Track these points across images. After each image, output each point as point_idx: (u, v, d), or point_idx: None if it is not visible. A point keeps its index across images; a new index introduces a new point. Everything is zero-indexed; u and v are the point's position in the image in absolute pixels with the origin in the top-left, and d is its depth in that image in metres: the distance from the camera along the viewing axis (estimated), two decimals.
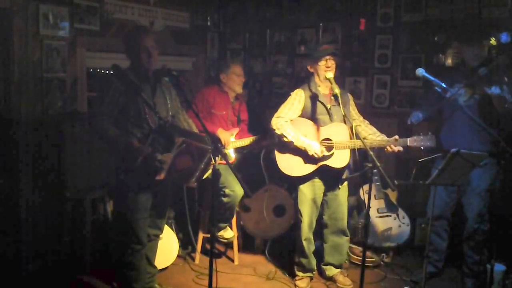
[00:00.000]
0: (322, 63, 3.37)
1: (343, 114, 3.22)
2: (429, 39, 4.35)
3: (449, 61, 4.23)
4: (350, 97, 3.56)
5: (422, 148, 3.25)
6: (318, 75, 3.42)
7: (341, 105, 3.23)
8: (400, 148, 3.27)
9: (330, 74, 3.32)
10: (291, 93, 3.52)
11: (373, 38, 4.63)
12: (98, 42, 3.85)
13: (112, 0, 3.92)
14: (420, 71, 3.08)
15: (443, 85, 3.09)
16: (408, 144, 3.24)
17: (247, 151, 4.07)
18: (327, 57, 3.36)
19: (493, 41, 3.93)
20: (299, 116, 3.47)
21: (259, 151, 4.13)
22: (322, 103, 3.42)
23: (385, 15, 4.56)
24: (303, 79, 4.92)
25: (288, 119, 3.42)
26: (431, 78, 3.07)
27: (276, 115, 3.46)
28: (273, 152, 3.58)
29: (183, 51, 4.84)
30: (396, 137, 3.27)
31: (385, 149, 3.32)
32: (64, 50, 3.60)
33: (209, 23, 5.09)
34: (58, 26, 3.54)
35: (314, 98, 3.43)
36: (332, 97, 3.43)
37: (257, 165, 4.17)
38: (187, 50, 4.88)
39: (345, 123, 3.36)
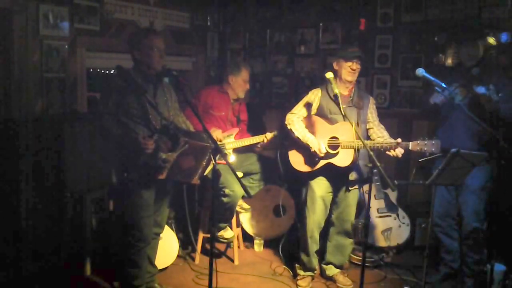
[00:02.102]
0: (348, 64, 3.39)
1: (343, 114, 3.22)
2: (429, 39, 4.35)
3: (449, 61, 4.23)
4: (371, 100, 3.59)
5: (426, 154, 3.16)
6: (339, 74, 3.44)
7: (341, 105, 3.23)
8: (402, 151, 3.24)
9: (330, 74, 3.32)
10: (309, 91, 3.58)
11: (373, 38, 4.63)
12: (98, 42, 3.85)
13: (112, 0, 3.92)
14: (420, 71, 3.07)
15: (443, 85, 3.09)
16: (410, 148, 3.19)
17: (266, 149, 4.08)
18: (355, 60, 3.38)
19: (492, 40, 3.93)
20: (315, 114, 3.51)
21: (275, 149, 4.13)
22: (336, 103, 3.44)
23: (385, 15, 4.56)
24: (303, 79, 4.98)
25: (300, 116, 3.53)
26: (431, 78, 3.07)
27: (291, 111, 3.57)
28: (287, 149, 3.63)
29: (183, 51, 4.84)
30: (399, 140, 3.25)
31: (388, 153, 3.29)
32: (64, 50, 3.60)
33: (209, 23, 5.09)
34: (58, 26, 3.54)
35: (329, 97, 3.46)
36: (350, 99, 3.46)
37: (271, 163, 4.17)
38: (187, 50, 4.89)
39: (357, 124, 3.38)
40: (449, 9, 4.25)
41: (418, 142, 3.17)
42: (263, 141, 3.93)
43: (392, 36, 4.55)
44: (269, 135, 3.92)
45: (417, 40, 4.43)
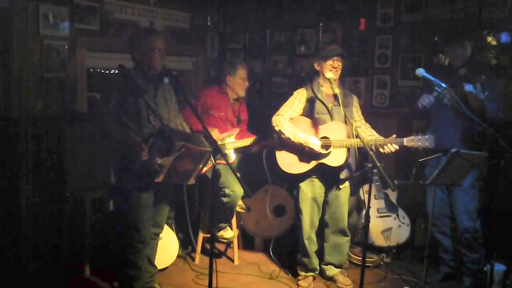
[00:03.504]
0: (329, 63, 3.39)
1: (343, 113, 3.23)
2: (429, 39, 4.35)
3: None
4: (355, 98, 3.59)
5: (419, 149, 3.20)
6: (323, 74, 3.44)
7: (341, 105, 3.24)
8: (396, 147, 3.25)
9: (330, 74, 3.33)
10: (294, 92, 3.55)
11: (373, 38, 4.63)
12: (98, 42, 3.85)
13: (112, 0, 3.92)
14: (420, 71, 3.08)
15: (443, 85, 3.10)
16: (405, 144, 3.21)
17: (248, 152, 4.06)
18: (335, 57, 3.38)
19: (492, 40, 3.94)
20: (301, 115, 3.49)
21: (261, 150, 4.12)
22: (322, 102, 3.44)
23: (385, 15, 4.56)
24: (303, 79, 4.98)
25: (287, 117, 3.48)
26: (431, 78, 3.08)
27: (276, 113, 3.52)
28: (274, 150, 3.59)
29: (183, 51, 4.84)
30: (394, 136, 3.26)
31: (381, 151, 3.29)
32: (64, 50, 3.60)
33: (209, 23, 5.09)
34: (58, 26, 3.54)
35: (315, 97, 3.45)
36: (334, 97, 3.45)
37: (259, 164, 4.16)
38: (187, 50, 4.88)
39: (345, 123, 3.37)
40: (449, 9, 4.26)
41: (412, 137, 3.20)
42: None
43: (392, 36, 4.55)
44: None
45: (417, 40, 4.43)
